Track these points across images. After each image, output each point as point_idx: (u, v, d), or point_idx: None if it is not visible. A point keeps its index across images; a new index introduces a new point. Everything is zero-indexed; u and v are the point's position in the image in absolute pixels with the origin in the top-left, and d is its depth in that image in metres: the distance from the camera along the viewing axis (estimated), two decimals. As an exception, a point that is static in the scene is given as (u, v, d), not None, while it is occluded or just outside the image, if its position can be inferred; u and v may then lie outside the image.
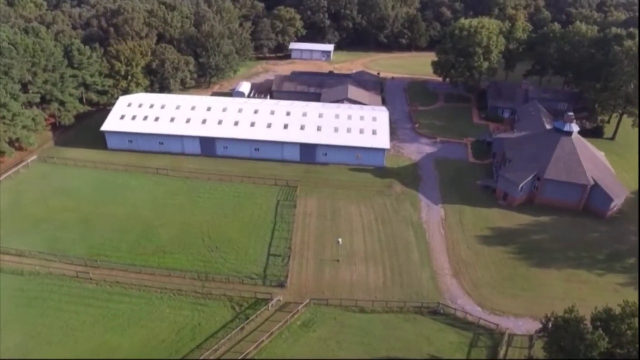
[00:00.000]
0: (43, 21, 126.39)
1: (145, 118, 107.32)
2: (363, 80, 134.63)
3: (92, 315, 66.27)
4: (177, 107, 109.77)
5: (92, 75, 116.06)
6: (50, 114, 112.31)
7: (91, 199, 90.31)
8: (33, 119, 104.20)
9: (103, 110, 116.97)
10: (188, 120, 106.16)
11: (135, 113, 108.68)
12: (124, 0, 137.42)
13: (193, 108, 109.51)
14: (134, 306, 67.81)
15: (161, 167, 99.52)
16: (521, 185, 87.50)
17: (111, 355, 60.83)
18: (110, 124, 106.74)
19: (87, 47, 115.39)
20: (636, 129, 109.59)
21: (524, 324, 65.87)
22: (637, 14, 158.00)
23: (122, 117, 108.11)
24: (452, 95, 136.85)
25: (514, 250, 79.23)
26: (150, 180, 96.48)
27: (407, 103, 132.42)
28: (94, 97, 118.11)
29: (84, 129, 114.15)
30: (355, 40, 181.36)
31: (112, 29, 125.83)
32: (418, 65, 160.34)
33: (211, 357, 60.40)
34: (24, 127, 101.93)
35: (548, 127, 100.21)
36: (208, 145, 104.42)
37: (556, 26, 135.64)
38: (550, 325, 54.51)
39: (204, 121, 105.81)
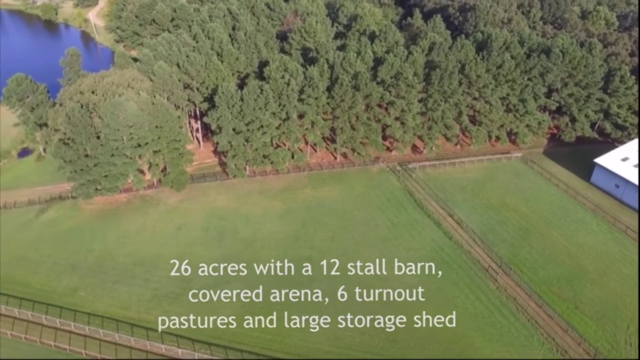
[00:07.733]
0: (604, 39, 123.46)
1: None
2: None
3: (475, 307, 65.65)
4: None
5: (619, 107, 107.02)
6: (556, 125, 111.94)
7: (537, 214, 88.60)
8: (539, 123, 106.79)
9: (607, 144, 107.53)
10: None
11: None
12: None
13: None
14: (511, 329, 63.23)
15: (632, 226, 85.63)
16: None
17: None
18: (608, 159, 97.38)
19: (624, 76, 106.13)
20: None
21: None
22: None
23: (625, 159, 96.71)
24: None
25: None
26: (613, 234, 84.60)
27: None
28: (608, 127, 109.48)
29: (577, 153, 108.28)
30: None
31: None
32: None
33: None
34: (527, 125, 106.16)
35: None
36: None
37: None
38: None
39: None
